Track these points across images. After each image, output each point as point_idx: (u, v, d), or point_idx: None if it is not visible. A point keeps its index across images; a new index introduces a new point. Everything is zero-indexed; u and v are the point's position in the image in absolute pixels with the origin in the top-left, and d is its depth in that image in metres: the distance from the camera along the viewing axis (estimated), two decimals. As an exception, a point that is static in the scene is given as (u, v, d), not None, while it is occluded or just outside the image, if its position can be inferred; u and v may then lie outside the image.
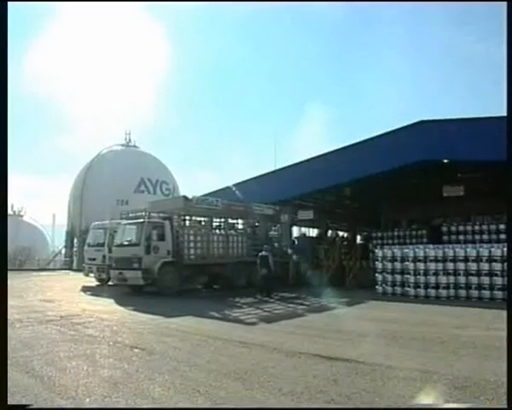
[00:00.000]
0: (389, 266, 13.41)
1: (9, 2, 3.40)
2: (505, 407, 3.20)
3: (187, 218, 15.45)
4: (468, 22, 61.01)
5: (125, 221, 14.99)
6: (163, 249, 13.43)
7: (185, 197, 14.58)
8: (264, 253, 13.60)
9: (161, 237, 13.54)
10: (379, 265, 13.70)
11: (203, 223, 15.80)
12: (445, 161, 14.70)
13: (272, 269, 13.41)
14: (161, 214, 14.39)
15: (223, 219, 16.10)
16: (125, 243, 14.01)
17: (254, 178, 19.32)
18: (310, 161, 17.43)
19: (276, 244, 17.96)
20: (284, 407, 3.93)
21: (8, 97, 3.56)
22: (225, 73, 64.84)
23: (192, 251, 14.21)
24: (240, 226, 17.19)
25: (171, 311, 9.49)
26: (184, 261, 13.70)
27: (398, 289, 13.09)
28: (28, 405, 3.47)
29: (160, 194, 31.09)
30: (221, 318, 9.06)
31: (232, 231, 16.36)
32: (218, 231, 15.93)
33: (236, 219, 17.06)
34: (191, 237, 14.36)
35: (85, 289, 14.98)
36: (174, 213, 14.59)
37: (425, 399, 4.00)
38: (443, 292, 12.30)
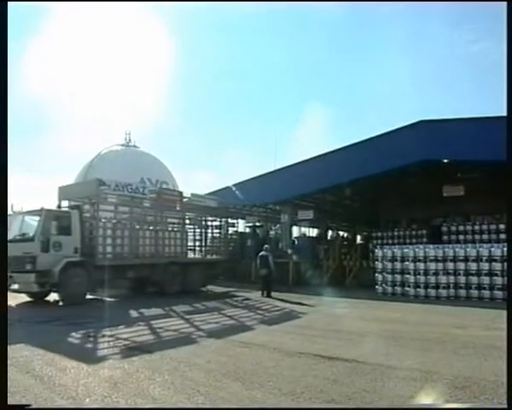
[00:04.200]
0: (389, 265, 13.42)
1: (9, 2, 3.40)
2: (505, 406, 3.19)
3: (106, 208, 12.40)
4: (467, 22, 61.00)
5: (18, 211, 11.37)
6: (68, 246, 10.78)
7: (100, 181, 11.78)
8: (264, 253, 13.59)
9: (66, 231, 10.86)
10: (379, 265, 13.71)
11: (127, 215, 12.97)
12: (445, 160, 14.72)
13: (272, 269, 13.41)
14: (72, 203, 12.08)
15: (153, 211, 13.67)
16: (18, 237, 10.65)
17: (254, 178, 19.32)
18: (310, 161, 17.43)
19: (220, 243, 16.96)
20: (284, 407, 3.93)
21: (9, 97, 3.55)
22: (225, 72, 64.82)
23: (109, 249, 11.72)
24: (175, 221, 14.84)
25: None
26: (97, 261, 11.06)
27: (398, 289, 13.10)
28: (28, 405, 3.47)
29: (160, 194, 31.13)
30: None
31: (165, 226, 13.94)
32: (145, 225, 13.30)
33: (182, 212, 15.06)
34: (108, 232, 11.77)
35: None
36: (89, 201, 12.17)
37: (425, 399, 4.00)
38: (443, 292, 12.30)
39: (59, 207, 11.96)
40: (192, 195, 14.88)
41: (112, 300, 11.64)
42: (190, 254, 19.41)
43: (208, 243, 15.57)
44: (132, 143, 35.83)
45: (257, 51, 63.45)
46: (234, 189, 19.49)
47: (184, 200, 14.52)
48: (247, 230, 23.41)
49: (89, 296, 11.18)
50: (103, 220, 11.96)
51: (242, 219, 23.54)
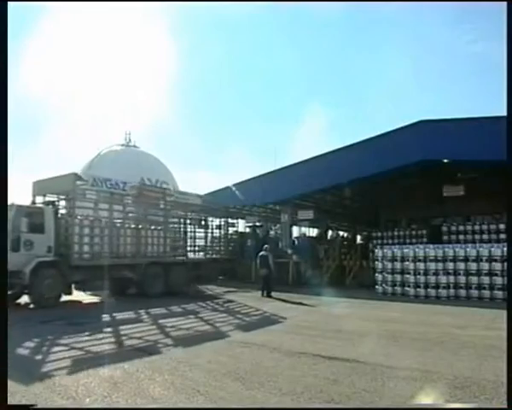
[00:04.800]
0: (389, 265, 13.42)
1: (9, 3, 3.40)
2: (505, 406, 3.20)
3: (83, 205, 11.67)
4: (467, 21, 61.01)
5: None
6: (41, 245, 10.20)
7: (76, 175, 11.17)
8: (264, 253, 13.60)
9: (38, 229, 10.23)
10: (379, 264, 13.72)
11: (106, 212, 12.16)
12: (445, 160, 14.71)
13: (272, 269, 13.41)
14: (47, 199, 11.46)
15: (134, 209, 12.97)
16: None
17: (254, 177, 19.32)
18: (310, 161, 17.43)
19: (205, 242, 16.35)
20: (284, 407, 3.93)
21: (9, 97, 3.55)
22: (226, 72, 64.83)
23: (86, 248, 11.09)
24: (160, 219, 14.00)
25: None
26: (73, 261, 10.50)
27: (398, 289, 13.10)
28: (29, 405, 3.47)
29: (160, 194, 31.15)
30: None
31: (147, 225, 13.20)
32: (126, 223, 12.64)
33: (168, 210, 14.28)
34: (85, 230, 11.09)
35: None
36: (65, 197, 11.53)
37: (425, 399, 4.00)
38: (443, 292, 12.31)
39: (33, 203, 11.26)
40: (176, 192, 14.36)
41: (88, 302, 11.25)
42: (190, 255, 19.56)
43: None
44: (132, 143, 35.82)
45: (257, 51, 63.48)
46: (234, 189, 19.49)
47: (169, 197, 13.84)
48: (247, 230, 23.43)
49: (64, 298, 10.55)
50: (80, 217, 11.30)
51: (242, 218, 23.56)
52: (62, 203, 11.66)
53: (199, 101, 67.20)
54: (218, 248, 21.44)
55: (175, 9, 46.78)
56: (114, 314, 8.98)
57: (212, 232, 20.24)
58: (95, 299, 11.73)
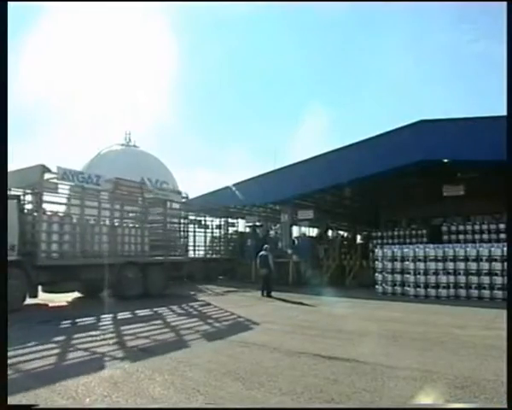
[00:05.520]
0: (389, 265, 13.43)
1: (9, 3, 3.40)
2: (505, 406, 3.20)
3: (52, 199, 10.84)
4: (467, 21, 60.98)
5: None
6: None
7: (44, 167, 10.20)
8: (264, 252, 13.60)
9: None
10: (379, 264, 13.72)
11: (78, 208, 11.33)
12: (445, 160, 14.72)
13: (272, 269, 13.41)
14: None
15: (109, 205, 12.06)
16: None
17: (254, 177, 19.32)
18: (310, 161, 17.44)
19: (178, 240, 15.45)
20: (284, 407, 3.93)
21: (9, 97, 3.55)
22: (226, 72, 64.82)
23: (55, 247, 10.29)
24: (138, 216, 13.28)
25: None
26: (39, 261, 9.77)
27: (398, 289, 13.11)
28: (29, 405, 3.47)
29: (160, 194, 31.14)
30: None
31: (123, 222, 12.47)
32: (100, 220, 11.81)
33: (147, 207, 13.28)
34: (54, 227, 10.28)
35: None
36: (31, 191, 10.72)
37: (425, 399, 4.00)
38: (443, 292, 12.31)
39: None
40: (155, 188, 13.65)
41: (55, 305, 10.49)
42: (191, 254, 19.55)
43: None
44: (132, 143, 35.78)
45: (257, 51, 63.45)
46: (234, 189, 19.50)
47: (147, 193, 13.01)
48: (247, 229, 23.45)
49: (31, 301, 9.83)
50: (48, 213, 10.54)
51: (242, 218, 23.58)
52: (29, 198, 10.84)
53: (199, 100, 67.23)
54: (218, 248, 21.56)
55: (175, 9, 46.81)
56: (78, 320, 8.29)
57: (203, 232, 20.28)
58: (63, 302, 10.92)
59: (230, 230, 22.47)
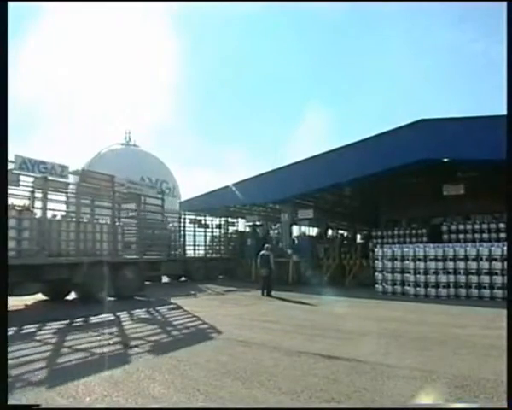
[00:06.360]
0: (389, 264, 13.43)
1: (9, 3, 3.39)
2: (505, 406, 3.20)
3: (8, 192, 9.49)
4: (467, 20, 60.98)
5: None
6: None
7: None
8: (265, 252, 13.58)
9: None
10: (379, 264, 13.72)
11: (40, 201, 10.39)
12: (445, 159, 14.72)
13: (273, 269, 13.40)
14: None
15: (75, 198, 11.13)
16: None
17: (254, 177, 19.33)
18: (310, 160, 17.44)
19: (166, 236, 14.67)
20: (284, 408, 3.93)
21: (9, 97, 3.54)
22: (226, 72, 64.84)
23: (12, 244, 9.41)
24: (109, 211, 12.04)
25: None
26: None
27: (398, 288, 13.11)
28: (29, 405, 3.47)
29: (161, 193, 31.15)
30: None
31: (91, 217, 11.56)
32: (65, 215, 11.11)
33: (120, 203, 12.37)
34: (12, 222, 9.38)
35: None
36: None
37: (425, 398, 4.01)
38: (443, 291, 12.32)
39: None
40: (128, 181, 12.58)
41: (12, 309, 9.42)
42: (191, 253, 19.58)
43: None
44: (132, 143, 35.74)
45: (257, 51, 63.41)
46: (234, 189, 19.51)
47: (119, 187, 12.07)
48: (247, 229, 23.48)
49: None
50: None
51: (243, 218, 23.60)
52: None
53: (199, 100, 67.23)
54: (218, 248, 21.56)
55: (175, 8, 46.77)
56: (25, 326, 7.44)
57: (203, 231, 20.12)
58: (20, 305, 10.04)
59: (230, 229, 22.50)
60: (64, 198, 11.01)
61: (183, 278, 18.70)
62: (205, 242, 20.79)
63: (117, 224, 12.07)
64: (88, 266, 10.37)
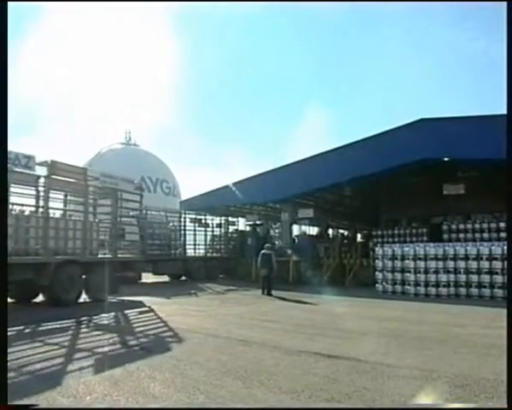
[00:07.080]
0: (389, 264, 13.43)
1: (9, 3, 3.39)
2: (505, 406, 3.20)
3: None
4: (469, 19, 60.93)
5: None
6: None
7: None
8: (266, 251, 13.55)
9: None
10: (379, 263, 13.72)
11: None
12: (446, 159, 14.71)
13: (274, 268, 13.36)
14: None
15: (42, 192, 10.32)
16: None
17: (254, 176, 19.33)
18: (310, 160, 17.44)
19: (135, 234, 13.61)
20: (284, 408, 3.93)
21: (9, 97, 3.54)
22: (226, 71, 64.85)
23: None
24: (80, 206, 11.27)
25: None
26: None
27: (399, 288, 13.11)
28: (29, 405, 3.47)
29: (161, 192, 31.17)
30: None
31: (64, 214, 10.95)
32: (30, 210, 10.40)
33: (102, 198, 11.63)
34: None
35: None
36: None
37: (425, 398, 4.00)
38: (443, 290, 12.32)
39: None
40: (102, 175, 11.83)
41: None
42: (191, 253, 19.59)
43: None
44: (132, 142, 35.71)
45: (257, 51, 63.37)
46: (234, 188, 19.52)
47: (92, 181, 11.23)
48: (248, 228, 23.49)
49: None
50: None
51: (243, 217, 23.61)
52: None
53: (199, 99, 67.22)
54: (218, 247, 21.57)
55: (175, 8, 46.73)
56: None
57: (203, 230, 20.01)
58: None
59: (231, 228, 22.52)
60: (33, 192, 10.30)
61: (183, 278, 18.74)
62: (205, 241, 20.81)
63: (91, 220, 11.22)
64: (56, 267, 9.61)
